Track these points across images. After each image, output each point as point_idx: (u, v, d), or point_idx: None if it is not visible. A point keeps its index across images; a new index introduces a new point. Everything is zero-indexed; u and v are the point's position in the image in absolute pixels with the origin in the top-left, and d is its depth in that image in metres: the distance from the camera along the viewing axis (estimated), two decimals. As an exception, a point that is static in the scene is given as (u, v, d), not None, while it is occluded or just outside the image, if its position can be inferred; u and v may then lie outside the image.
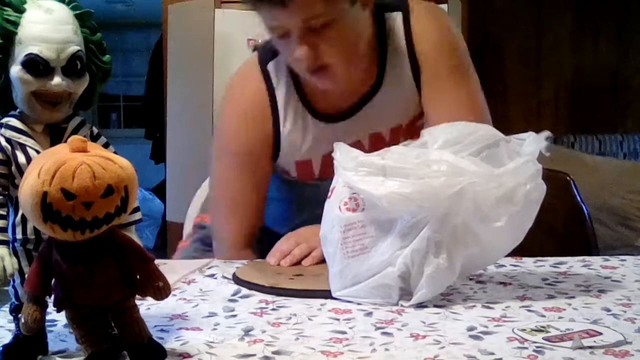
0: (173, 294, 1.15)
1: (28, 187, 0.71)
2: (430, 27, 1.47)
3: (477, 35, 4.26)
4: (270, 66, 1.50)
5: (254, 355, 0.84)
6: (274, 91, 1.49)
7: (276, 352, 0.85)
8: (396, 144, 1.38)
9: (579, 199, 1.96)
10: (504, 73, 4.59)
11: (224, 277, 1.25)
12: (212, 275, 1.28)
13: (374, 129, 1.50)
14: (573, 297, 1.08)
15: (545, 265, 1.32)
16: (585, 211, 1.97)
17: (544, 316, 0.99)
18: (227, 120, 1.55)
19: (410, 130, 1.50)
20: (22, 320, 0.78)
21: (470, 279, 1.19)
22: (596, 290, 1.12)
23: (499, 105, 4.20)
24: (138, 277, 0.79)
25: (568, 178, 1.98)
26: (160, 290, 0.80)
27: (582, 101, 4.60)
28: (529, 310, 1.01)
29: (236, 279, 1.22)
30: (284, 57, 1.44)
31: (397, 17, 1.47)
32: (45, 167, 0.71)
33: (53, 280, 0.78)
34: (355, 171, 1.06)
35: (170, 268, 1.32)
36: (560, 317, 0.98)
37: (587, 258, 1.37)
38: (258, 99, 1.50)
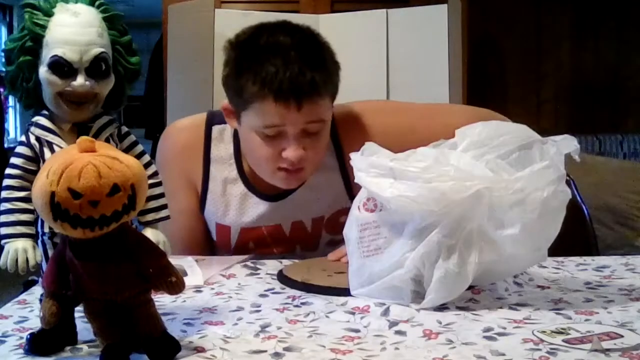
0: (211, 287, 1.17)
1: (38, 187, 0.73)
2: (353, 114, 1.52)
3: (477, 35, 4.27)
4: (216, 128, 1.53)
5: (265, 351, 0.85)
6: (210, 145, 1.52)
7: (287, 349, 0.86)
8: (317, 233, 1.50)
9: (579, 199, 1.96)
10: (504, 73, 4.59)
11: (268, 274, 1.26)
12: (255, 271, 1.29)
13: (295, 218, 1.53)
14: (611, 301, 1.07)
15: (588, 269, 1.30)
16: (585, 211, 1.98)
17: (570, 318, 0.98)
18: (163, 153, 1.57)
19: (332, 223, 1.54)
20: (41, 315, 0.79)
21: (508, 281, 1.15)
22: (638, 294, 1.11)
23: (499, 105, 4.20)
24: (150, 272, 0.80)
25: (568, 178, 1.98)
26: (173, 285, 0.81)
27: (582, 101, 4.60)
28: (558, 313, 1.00)
29: (278, 275, 1.23)
30: (254, 154, 1.44)
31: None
32: (54, 168, 0.73)
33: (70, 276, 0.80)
34: (366, 172, 1.06)
35: (207, 263, 1.34)
36: (587, 320, 0.97)
37: (630, 260, 1.35)
38: (193, 143, 1.53)
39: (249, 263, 1.35)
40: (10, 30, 7.80)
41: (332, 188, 1.51)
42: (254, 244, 1.54)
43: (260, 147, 1.39)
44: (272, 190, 1.50)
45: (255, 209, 1.52)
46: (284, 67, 1.31)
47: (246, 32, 1.42)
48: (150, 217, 0.89)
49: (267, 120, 1.35)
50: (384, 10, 3.50)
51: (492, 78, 4.54)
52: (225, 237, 1.55)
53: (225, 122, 1.50)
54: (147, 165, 0.90)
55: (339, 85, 1.42)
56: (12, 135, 7.57)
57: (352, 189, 1.51)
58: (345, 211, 1.51)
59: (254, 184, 1.51)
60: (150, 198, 0.90)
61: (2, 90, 6.88)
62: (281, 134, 1.36)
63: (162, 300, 1.08)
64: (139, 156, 0.89)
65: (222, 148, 1.53)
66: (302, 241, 1.53)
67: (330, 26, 3.53)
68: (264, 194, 1.51)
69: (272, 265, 1.33)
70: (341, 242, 1.51)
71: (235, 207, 1.52)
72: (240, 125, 1.43)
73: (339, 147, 1.50)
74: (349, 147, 1.46)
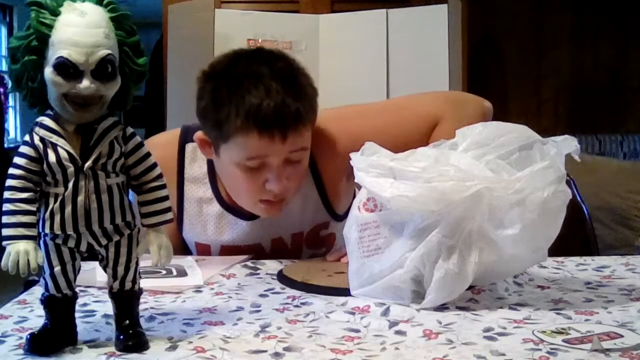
0: (211, 287, 1.17)
1: None
2: (321, 123, 1.46)
3: (477, 35, 4.27)
4: (189, 146, 1.50)
5: (265, 351, 0.85)
6: (184, 164, 1.49)
7: (287, 349, 0.86)
8: (298, 249, 1.51)
9: (579, 199, 1.96)
10: (504, 73, 4.60)
11: (268, 274, 1.26)
12: (255, 271, 1.29)
13: (274, 235, 1.50)
14: (611, 301, 1.07)
15: (588, 269, 1.30)
16: (585, 211, 1.98)
17: (570, 318, 0.98)
18: None
19: (312, 237, 1.52)
20: None
21: (508, 281, 1.16)
22: (638, 294, 1.11)
23: (499, 105, 4.20)
24: None
25: (568, 178, 1.98)
26: None
27: (582, 101, 4.61)
28: (558, 313, 1.00)
29: (278, 275, 1.23)
30: (235, 186, 1.42)
31: None
32: None
33: None
34: (367, 172, 1.06)
35: (207, 263, 1.34)
36: (587, 320, 0.97)
37: (630, 261, 1.35)
38: (166, 162, 1.42)
39: (249, 263, 1.35)
40: (10, 30, 7.80)
41: (309, 203, 1.49)
42: None
43: (242, 180, 1.37)
44: (246, 211, 1.47)
45: (233, 228, 1.49)
46: (267, 99, 1.28)
47: (221, 61, 1.39)
48: (154, 219, 0.88)
49: (250, 153, 1.32)
50: (384, 10, 3.50)
51: (492, 78, 4.55)
52: (206, 254, 1.52)
53: None
54: (152, 167, 0.89)
55: (317, 110, 1.40)
56: (12, 135, 7.58)
57: (329, 203, 1.50)
58: (325, 225, 1.52)
59: (229, 203, 1.48)
60: (155, 201, 0.89)
61: (2, 90, 6.88)
62: (264, 165, 1.34)
63: (162, 301, 1.08)
64: (143, 158, 0.88)
65: (195, 167, 1.50)
66: (283, 258, 1.46)
67: (330, 26, 3.54)
68: (241, 213, 1.48)
69: (272, 266, 1.33)
70: (322, 255, 1.48)
71: (212, 226, 1.50)
72: (218, 157, 1.39)
73: (313, 162, 1.47)
74: (321, 160, 1.47)
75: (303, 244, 1.52)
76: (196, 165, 1.50)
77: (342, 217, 1.49)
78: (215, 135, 1.36)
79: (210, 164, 1.48)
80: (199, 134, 1.41)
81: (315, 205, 1.50)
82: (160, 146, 1.50)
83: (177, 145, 1.50)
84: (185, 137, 1.50)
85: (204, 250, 1.53)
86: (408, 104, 1.60)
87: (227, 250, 1.50)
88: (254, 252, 1.48)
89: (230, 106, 1.30)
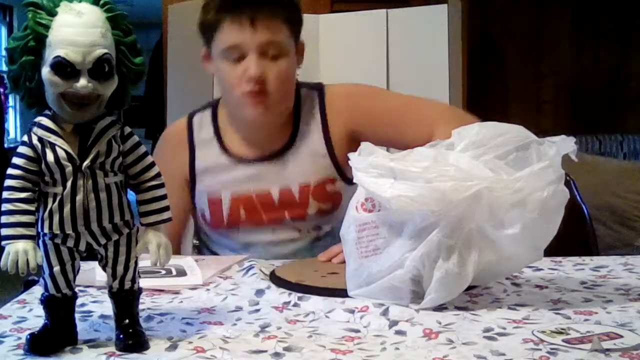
0: (210, 287, 1.17)
1: None
2: (341, 93, 1.67)
3: (477, 35, 4.28)
4: (196, 117, 1.68)
5: (265, 351, 0.85)
6: (193, 133, 1.66)
7: (287, 349, 0.86)
8: (305, 200, 1.60)
9: (579, 199, 1.96)
10: (504, 73, 4.60)
11: (261, 271, 1.26)
12: (249, 271, 1.29)
13: (283, 184, 1.60)
14: (610, 301, 1.07)
15: (585, 268, 1.30)
16: (585, 211, 1.97)
17: (569, 318, 0.98)
18: (155, 153, 1.70)
19: (319, 191, 1.61)
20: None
21: (505, 282, 1.16)
22: (635, 294, 1.11)
23: (499, 105, 4.22)
24: None
25: (568, 178, 1.98)
26: None
27: (582, 101, 4.61)
28: (557, 313, 1.00)
29: (272, 275, 1.23)
30: (225, 84, 1.57)
31: (313, 94, 1.64)
32: None
33: None
34: (366, 172, 1.06)
35: (206, 264, 1.34)
36: (586, 320, 0.97)
37: (629, 260, 1.35)
38: (178, 135, 1.67)
39: (247, 263, 1.35)
40: (10, 31, 7.81)
41: (317, 157, 1.60)
42: (245, 212, 1.60)
43: (227, 73, 1.52)
44: (256, 154, 1.59)
45: (243, 172, 1.60)
46: None
47: None
48: (152, 218, 0.89)
49: (226, 42, 1.50)
50: (384, 10, 3.50)
51: (492, 78, 4.55)
52: (218, 210, 1.61)
53: (202, 110, 1.67)
54: (150, 167, 0.89)
55: (300, 23, 1.60)
56: (12, 135, 7.58)
57: (336, 160, 1.60)
58: (332, 181, 1.61)
59: (238, 153, 1.61)
60: (153, 200, 0.89)
61: (2, 90, 6.88)
62: (243, 57, 1.49)
63: (159, 302, 1.08)
64: (141, 157, 0.89)
65: (204, 132, 1.65)
66: (291, 209, 1.59)
67: (330, 26, 3.54)
68: (249, 160, 1.60)
69: (270, 265, 1.33)
70: (329, 211, 1.59)
71: (222, 176, 1.61)
72: (213, 62, 1.56)
73: (324, 119, 1.61)
74: (332, 121, 1.61)
75: (310, 197, 1.59)
76: (204, 130, 1.65)
77: (350, 181, 1.53)
78: (206, 38, 1.56)
79: (217, 127, 1.64)
80: (202, 50, 1.59)
81: (324, 161, 1.60)
82: (173, 126, 1.75)
83: (186, 120, 1.68)
84: (192, 115, 1.68)
85: (215, 206, 1.61)
86: (416, 105, 1.68)
87: (238, 201, 1.60)
88: (263, 201, 1.59)
89: (212, 4, 1.52)
